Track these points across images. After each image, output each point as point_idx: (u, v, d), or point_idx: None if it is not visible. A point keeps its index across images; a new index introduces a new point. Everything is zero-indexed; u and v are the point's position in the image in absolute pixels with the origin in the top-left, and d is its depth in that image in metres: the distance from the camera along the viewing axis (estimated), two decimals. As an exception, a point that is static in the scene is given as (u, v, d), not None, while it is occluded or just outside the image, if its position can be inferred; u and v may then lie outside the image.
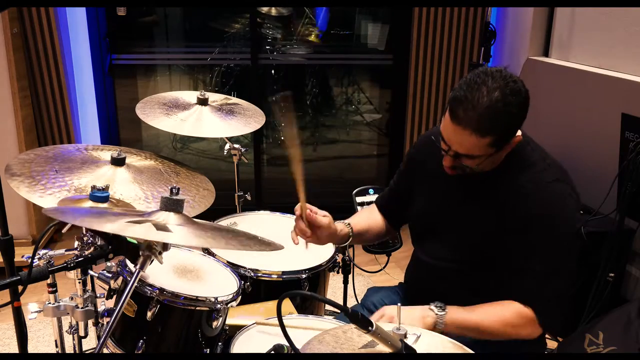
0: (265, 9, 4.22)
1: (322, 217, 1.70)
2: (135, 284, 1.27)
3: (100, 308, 1.67)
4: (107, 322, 1.29)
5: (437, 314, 1.51)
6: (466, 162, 1.52)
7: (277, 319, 1.15)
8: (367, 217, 1.93)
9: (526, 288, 1.53)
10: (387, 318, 1.49)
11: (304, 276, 1.94)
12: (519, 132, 1.59)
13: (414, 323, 1.46)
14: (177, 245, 1.72)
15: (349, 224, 1.82)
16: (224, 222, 2.23)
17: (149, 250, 1.26)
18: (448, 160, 1.55)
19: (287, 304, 1.79)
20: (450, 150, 1.52)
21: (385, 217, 1.93)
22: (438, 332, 1.46)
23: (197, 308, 1.56)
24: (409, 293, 1.84)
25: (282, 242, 1.37)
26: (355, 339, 1.25)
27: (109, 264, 1.52)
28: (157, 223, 1.22)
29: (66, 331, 1.73)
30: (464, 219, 1.64)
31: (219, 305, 1.56)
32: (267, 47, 4.30)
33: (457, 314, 1.53)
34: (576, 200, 1.57)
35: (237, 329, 1.62)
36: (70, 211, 1.27)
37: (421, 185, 1.80)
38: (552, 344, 2.36)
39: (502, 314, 1.53)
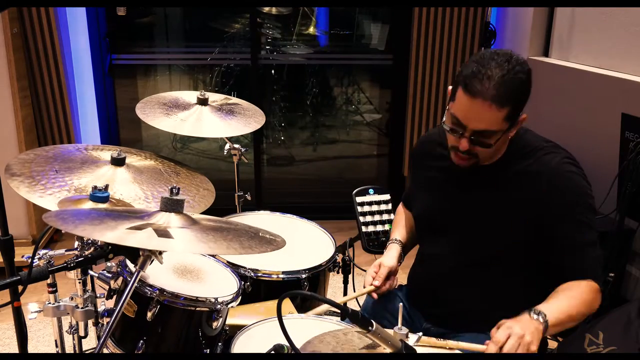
0: (265, 9, 4.22)
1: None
2: (135, 284, 1.27)
3: (100, 308, 1.67)
4: (107, 322, 1.29)
5: (542, 322, 1.42)
6: (484, 141, 1.50)
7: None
8: (405, 223, 1.95)
9: (584, 264, 1.52)
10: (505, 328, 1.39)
11: (304, 276, 1.94)
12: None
13: (535, 337, 1.38)
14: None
15: (400, 241, 1.88)
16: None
17: (149, 251, 1.26)
18: (464, 142, 1.51)
19: (287, 304, 1.79)
20: (466, 131, 1.50)
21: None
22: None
23: (197, 308, 1.55)
24: (411, 293, 1.84)
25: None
26: (355, 339, 1.25)
27: (109, 264, 1.52)
28: (157, 228, 1.22)
29: (66, 331, 1.73)
30: (471, 215, 1.64)
31: (219, 306, 1.56)
32: (267, 47, 4.30)
33: (552, 313, 1.44)
34: (583, 173, 1.58)
35: (237, 329, 1.61)
36: (71, 218, 1.26)
37: (423, 184, 1.81)
38: (552, 344, 2.36)
39: (580, 296, 1.49)
